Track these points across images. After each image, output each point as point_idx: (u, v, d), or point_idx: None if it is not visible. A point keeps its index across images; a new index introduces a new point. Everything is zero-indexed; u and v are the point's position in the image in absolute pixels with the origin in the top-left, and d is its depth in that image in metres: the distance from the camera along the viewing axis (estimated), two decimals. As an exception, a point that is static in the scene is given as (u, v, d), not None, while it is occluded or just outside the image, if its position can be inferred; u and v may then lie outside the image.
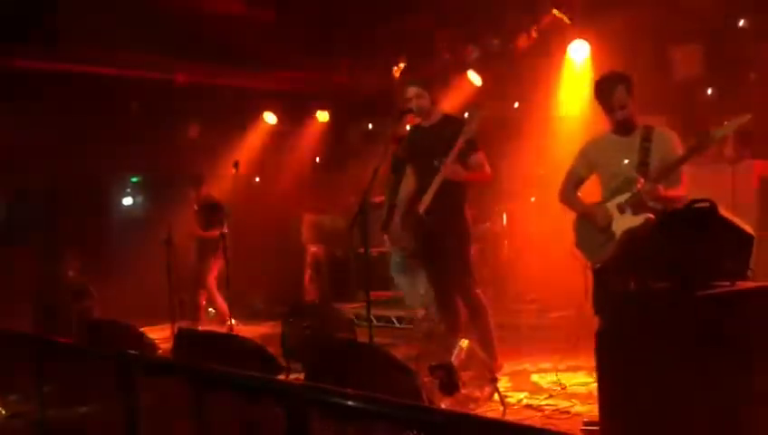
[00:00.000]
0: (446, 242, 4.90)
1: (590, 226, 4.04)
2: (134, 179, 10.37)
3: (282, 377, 4.89)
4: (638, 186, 3.77)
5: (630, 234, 3.75)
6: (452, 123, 4.94)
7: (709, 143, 3.68)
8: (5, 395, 4.70)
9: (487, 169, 4.96)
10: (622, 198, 3.87)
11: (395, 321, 7.85)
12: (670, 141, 3.90)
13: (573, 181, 4.22)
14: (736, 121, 3.57)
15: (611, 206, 3.93)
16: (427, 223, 4.85)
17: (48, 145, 7.97)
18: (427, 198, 4.80)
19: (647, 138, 3.90)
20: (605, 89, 3.95)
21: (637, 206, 3.80)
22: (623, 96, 3.88)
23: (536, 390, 4.68)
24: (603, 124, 4.59)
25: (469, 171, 4.83)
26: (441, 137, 4.86)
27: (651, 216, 3.74)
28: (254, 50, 7.86)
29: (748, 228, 2.97)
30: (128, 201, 10.39)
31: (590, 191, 4.28)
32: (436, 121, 5.05)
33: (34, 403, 4.06)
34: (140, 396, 3.12)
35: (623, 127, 3.96)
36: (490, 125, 8.23)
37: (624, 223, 3.85)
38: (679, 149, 3.82)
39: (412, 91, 4.94)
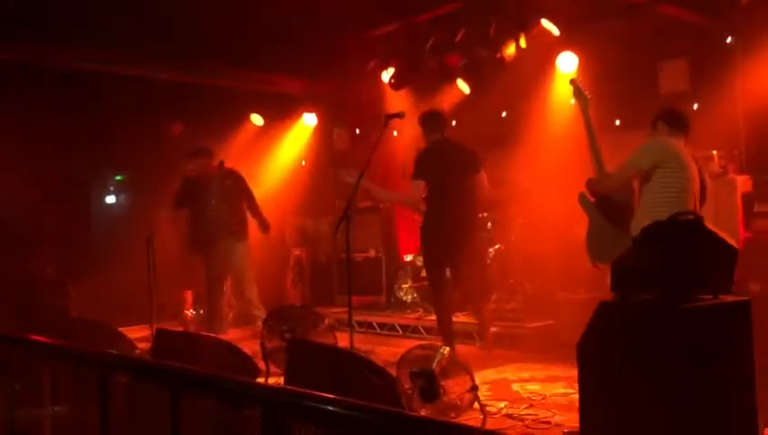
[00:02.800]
0: None
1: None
2: (118, 178, 10.26)
3: (260, 380, 4.84)
4: None
5: None
6: None
7: None
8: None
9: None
10: None
11: (376, 326, 7.81)
12: None
13: None
14: None
15: None
16: None
17: (29, 141, 7.86)
18: None
19: None
20: None
21: None
22: None
23: (517, 399, 4.66)
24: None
25: None
26: None
27: None
28: (242, 50, 7.80)
29: (732, 242, 2.97)
30: (111, 199, 10.28)
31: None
32: None
33: (4, 402, 3.97)
34: (114, 396, 3.06)
35: None
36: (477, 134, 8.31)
37: None
38: None
39: None
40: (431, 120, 5.86)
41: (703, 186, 4.11)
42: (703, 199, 4.11)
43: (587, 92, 4.50)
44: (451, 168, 5.71)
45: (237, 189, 6.90)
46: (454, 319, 7.21)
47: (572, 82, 4.61)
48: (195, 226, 6.95)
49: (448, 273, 5.88)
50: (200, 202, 6.85)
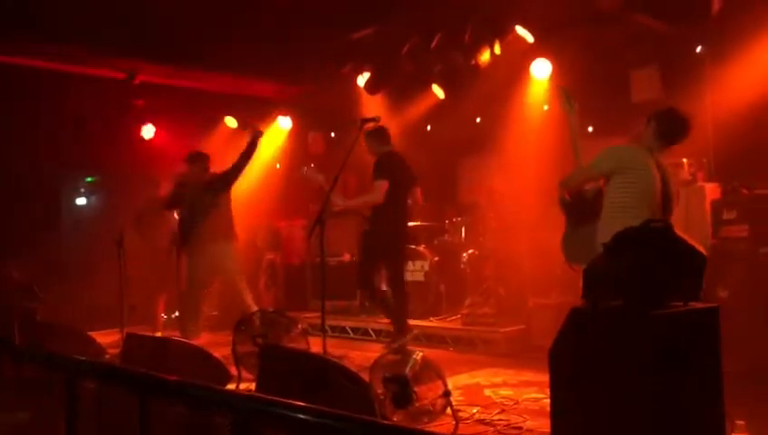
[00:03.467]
0: None
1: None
2: (89, 179, 10.12)
3: (232, 386, 4.80)
4: None
5: None
6: None
7: None
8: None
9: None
10: None
11: (349, 331, 7.79)
12: None
13: None
14: None
15: None
16: None
17: (-2, 141, 7.73)
18: None
19: None
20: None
21: None
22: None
23: (489, 404, 4.68)
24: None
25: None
26: None
27: None
28: (216, 53, 7.75)
29: (701, 249, 3.01)
30: (81, 201, 10.13)
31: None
32: None
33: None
34: (83, 402, 3.01)
35: None
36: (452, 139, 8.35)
37: None
38: None
39: None
40: (380, 134, 6.18)
41: (667, 194, 4.04)
42: (667, 208, 4.05)
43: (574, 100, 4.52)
44: (403, 176, 6.17)
45: (225, 185, 6.81)
46: (428, 323, 7.28)
47: (562, 88, 4.61)
48: (183, 229, 6.90)
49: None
50: (190, 205, 6.81)
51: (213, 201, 6.67)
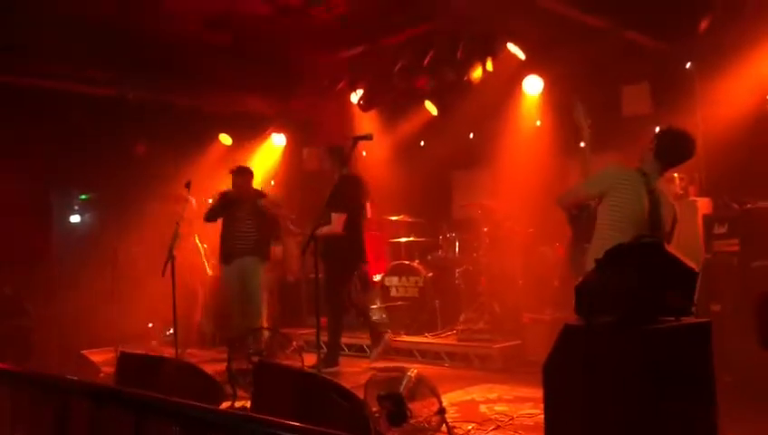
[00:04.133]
0: None
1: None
2: (83, 197, 10.11)
3: (227, 404, 4.79)
4: None
5: None
6: None
7: None
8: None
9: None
10: None
11: (345, 347, 7.76)
12: None
13: None
14: None
15: None
16: None
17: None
18: None
19: None
20: None
21: None
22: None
23: (484, 420, 4.67)
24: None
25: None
26: None
27: None
28: (211, 70, 7.78)
29: (692, 265, 3.03)
30: (75, 218, 10.11)
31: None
32: None
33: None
34: (77, 422, 3.00)
35: None
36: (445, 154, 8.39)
37: None
38: None
39: None
40: (340, 155, 6.29)
41: (656, 218, 3.94)
42: (657, 233, 3.87)
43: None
44: (358, 201, 6.42)
45: (268, 210, 7.02)
46: (423, 339, 7.27)
47: (577, 102, 4.62)
48: (221, 240, 7.04)
49: None
50: (230, 218, 6.94)
51: (252, 214, 6.85)
